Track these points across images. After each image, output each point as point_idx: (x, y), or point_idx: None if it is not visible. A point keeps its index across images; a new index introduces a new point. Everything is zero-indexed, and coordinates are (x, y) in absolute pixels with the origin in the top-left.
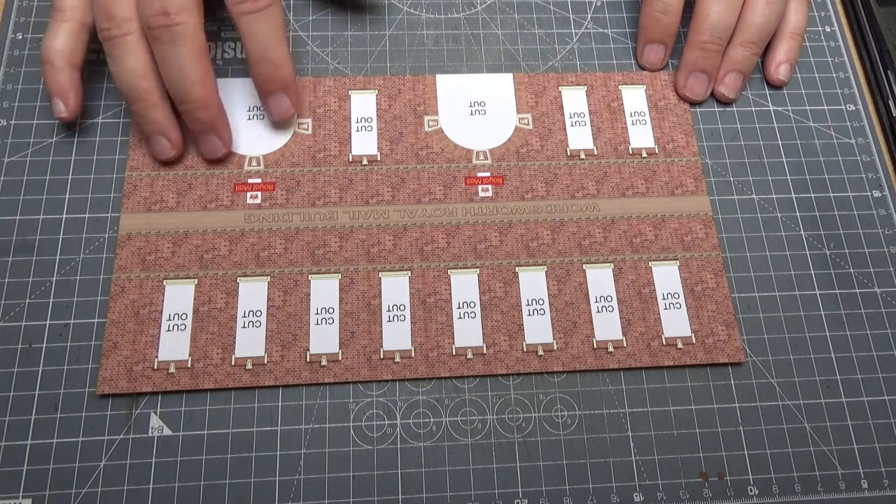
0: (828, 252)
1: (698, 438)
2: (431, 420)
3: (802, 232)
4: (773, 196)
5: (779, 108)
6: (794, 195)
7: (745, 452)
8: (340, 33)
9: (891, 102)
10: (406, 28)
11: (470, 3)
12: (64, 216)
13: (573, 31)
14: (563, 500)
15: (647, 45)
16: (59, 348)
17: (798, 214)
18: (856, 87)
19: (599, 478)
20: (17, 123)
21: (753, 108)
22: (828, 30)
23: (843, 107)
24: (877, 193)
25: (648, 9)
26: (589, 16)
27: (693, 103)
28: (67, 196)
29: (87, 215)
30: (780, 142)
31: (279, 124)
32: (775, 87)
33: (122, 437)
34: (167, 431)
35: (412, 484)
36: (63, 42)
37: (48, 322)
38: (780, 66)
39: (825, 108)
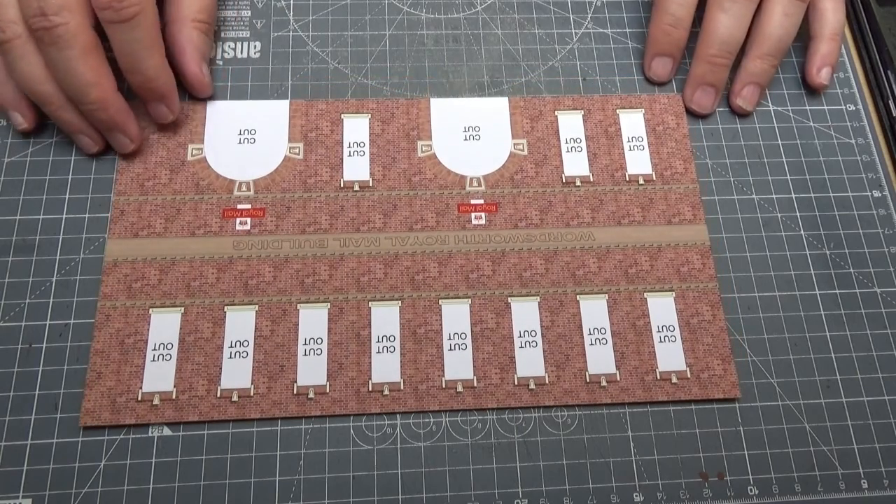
0: (828, 252)
1: (698, 438)
2: (431, 420)
3: (802, 232)
4: (773, 196)
5: (779, 108)
6: (794, 195)
7: (745, 452)
8: (340, 33)
9: (891, 102)
10: (406, 28)
11: (470, 3)
12: (64, 216)
13: (573, 31)
14: (563, 500)
15: (655, 57)
16: (59, 348)
17: (798, 214)
18: (856, 87)
19: (599, 478)
20: None
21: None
22: None
23: (843, 107)
24: (877, 193)
25: (658, 21)
26: (589, 16)
27: (700, 116)
28: (67, 196)
29: (87, 215)
30: (780, 142)
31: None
32: (816, 90)
33: (122, 437)
34: (167, 431)
35: (412, 484)
36: None
37: (48, 322)
38: (821, 70)
39: (825, 108)
